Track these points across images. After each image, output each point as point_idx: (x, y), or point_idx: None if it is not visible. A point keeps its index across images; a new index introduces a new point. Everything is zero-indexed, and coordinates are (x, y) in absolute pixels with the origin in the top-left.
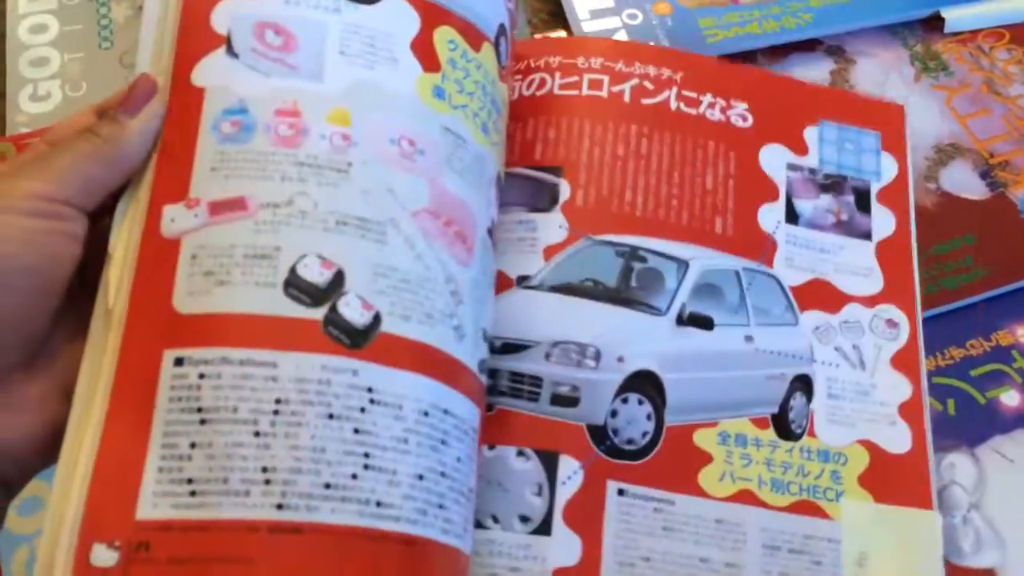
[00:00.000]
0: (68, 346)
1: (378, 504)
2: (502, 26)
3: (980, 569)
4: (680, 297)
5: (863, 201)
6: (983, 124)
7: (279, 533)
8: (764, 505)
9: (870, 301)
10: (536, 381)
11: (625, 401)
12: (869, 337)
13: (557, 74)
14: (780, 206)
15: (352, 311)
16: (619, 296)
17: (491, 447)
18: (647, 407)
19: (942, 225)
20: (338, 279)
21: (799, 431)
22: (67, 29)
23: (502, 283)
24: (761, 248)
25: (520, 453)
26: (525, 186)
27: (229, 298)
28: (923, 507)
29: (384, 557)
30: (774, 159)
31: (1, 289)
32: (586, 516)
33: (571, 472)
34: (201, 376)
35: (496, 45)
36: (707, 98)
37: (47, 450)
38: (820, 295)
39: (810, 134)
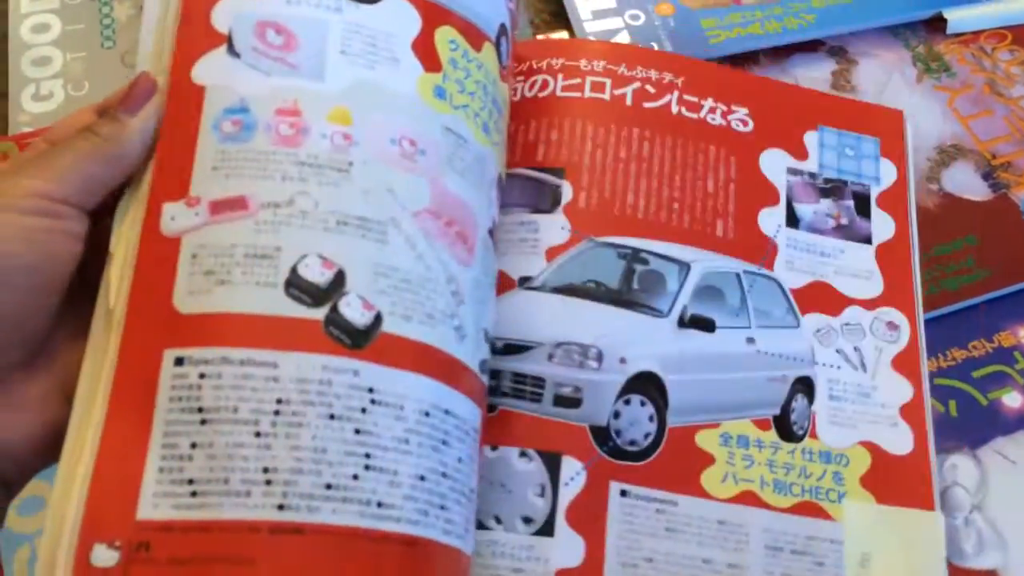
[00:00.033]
0: (68, 345)
1: (379, 505)
2: (503, 26)
3: (982, 570)
4: (682, 299)
5: (863, 205)
6: (985, 125)
7: (280, 534)
8: (766, 506)
9: (870, 304)
10: (538, 382)
11: (627, 402)
12: (870, 339)
13: (560, 76)
14: (780, 210)
15: (353, 311)
16: (621, 298)
17: (494, 448)
18: (649, 408)
19: (944, 226)
20: (339, 279)
21: (801, 432)
22: (69, 28)
23: (504, 284)
24: (762, 251)
25: (523, 454)
26: (527, 187)
27: (230, 298)
28: (925, 508)
29: (385, 558)
30: (774, 163)
31: (1, 287)
32: (589, 517)
33: (574, 473)
34: (202, 376)
35: (497, 45)
36: (708, 102)
37: (47, 450)
38: (821, 298)
39: (810, 139)
